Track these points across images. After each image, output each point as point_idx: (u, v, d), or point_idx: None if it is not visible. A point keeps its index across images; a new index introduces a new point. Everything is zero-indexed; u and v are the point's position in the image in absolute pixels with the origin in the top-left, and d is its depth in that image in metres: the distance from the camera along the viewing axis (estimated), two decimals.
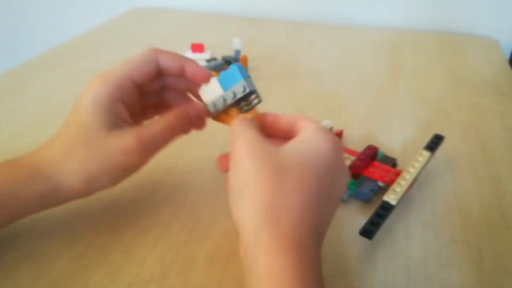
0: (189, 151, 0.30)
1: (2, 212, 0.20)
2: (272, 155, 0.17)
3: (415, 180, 0.25)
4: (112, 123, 0.20)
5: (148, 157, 0.21)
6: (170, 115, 0.21)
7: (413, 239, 0.23)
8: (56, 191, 0.20)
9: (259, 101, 0.21)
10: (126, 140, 0.19)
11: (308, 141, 0.18)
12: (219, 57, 0.46)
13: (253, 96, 0.21)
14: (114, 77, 0.20)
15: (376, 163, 0.27)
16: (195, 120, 0.21)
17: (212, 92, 0.22)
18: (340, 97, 0.39)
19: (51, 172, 0.20)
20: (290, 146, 0.18)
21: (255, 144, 0.18)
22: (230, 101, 0.21)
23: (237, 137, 0.18)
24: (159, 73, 0.22)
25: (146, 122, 0.23)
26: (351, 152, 0.29)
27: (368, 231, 0.22)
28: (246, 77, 0.21)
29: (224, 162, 0.20)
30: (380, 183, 0.26)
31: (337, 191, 0.18)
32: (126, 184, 0.27)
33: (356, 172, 0.26)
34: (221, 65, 0.43)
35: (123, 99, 0.20)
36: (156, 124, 0.20)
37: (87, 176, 0.19)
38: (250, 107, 0.21)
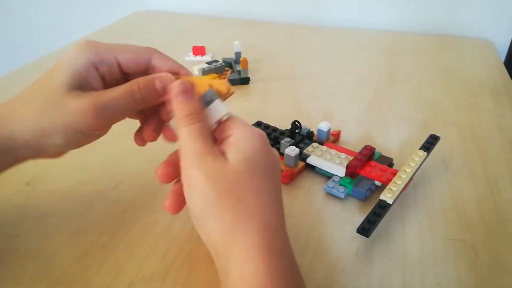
0: None
1: None
2: (223, 171, 0.17)
3: (411, 179, 0.26)
4: (77, 83, 0.19)
5: (106, 122, 0.19)
6: (132, 81, 0.20)
7: (410, 237, 0.23)
8: (8, 140, 0.19)
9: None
10: (82, 100, 0.18)
11: (244, 142, 0.18)
12: (220, 59, 0.46)
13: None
14: (98, 45, 0.20)
15: (373, 163, 0.28)
16: (161, 92, 0.20)
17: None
18: (338, 99, 0.39)
19: (6, 119, 0.19)
20: (233, 153, 0.17)
21: (205, 161, 0.17)
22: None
23: (185, 154, 0.17)
24: (150, 70, 0.21)
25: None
26: (349, 152, 0.29)
27: (365, 229, 0.22)
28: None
29: (164, 174, 0.20)
30: (377, 182, 0.27)
31: (278, 177, 0.19)
32: (128, 183, 0.27)
33: (354, 172, 0.27)
34: (222, 67, 0.44)
35: (100, 69, 0.20)
36: (116, 88, 0.19)
37: (38, 128, 0.19)
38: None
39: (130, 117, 0.22)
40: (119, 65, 0.20)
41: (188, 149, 0.17)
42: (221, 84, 0.20)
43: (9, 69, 0.45)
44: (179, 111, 0.18)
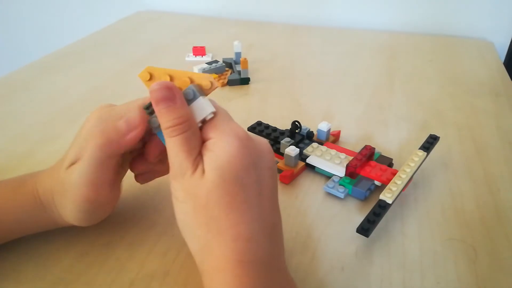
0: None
1: (5, 235, 0.21)
2: (199, 187, 0.16)
3: (410, 179, 0.26)
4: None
5: (94, 190, 0.19)
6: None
7: (409, 237, 0.23)
8: (56, 220, 0.21)
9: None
10: (71, 175, 0.19)
11: (220, 149, 0.17)
12: (220, 59, 0.46)
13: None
14: (109, 132, 0.19)
15: (372, 163, 0.28)
16: (126, 131, 0.19)
17: None
18: (338, 99, 0.39)
19: (48, 202, 0.20)
20: (208, 164, 0.17)
21: (185, 177, 0.17)
22: None
23: (171, 164, 0.17)
24: None
25: None
26: (348, 152, 0.29)
27: (365, 229, 0.22)
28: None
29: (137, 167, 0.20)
30: (377, 182, 0.27)
31: (263, 181, 0.17)
32: (128, 183, 0.27)
33: (353, 172, 0.27)
34: (222, 67, 0.44)
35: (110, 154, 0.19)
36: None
37: (65, 209, 0.20)
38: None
39: (132, 169, 0.22)
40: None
41: (172, 161, 0.17)
42: (203, 78, 0.18)
43: (9, 69, 0.45)
44: (162, 121, 0.17)
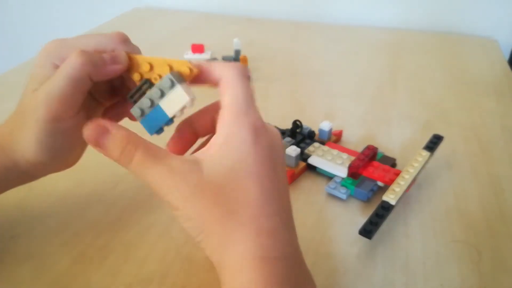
0: (190, 150, 0.30)
1: None
2: (206, 186, 0.15)
3: (414, 180, 0.26)
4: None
5: (60, 108, 0.18)
6: (72, 53, 0.18)
7: (413, 239, 0.23)
8: (16, 162, 0.19)
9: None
10: (35, 96, 0.18)
11: (228, 147, 0.16)
12: (219, 57, 0.46)
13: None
14: (60, 46, 0.19)
15: (375, 163, 0.27)
16: (108, 61, 0.18)
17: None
18: (340, 97, 0.39)
19: (7, 144, 0.19)
20: (212, 164, 0.15)
21: (184, 181, 0.15)
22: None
23: (148, 181, 0.16)
24: None
25: None
26: (351, 152, 0.29)
27: (367, 231, 0.22)
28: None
29: (176, 150, 0.19)
30: (380, 183, 0.26)
31: (277, 174, 0.16)
32: (126, 184, 0.27)
33: (356, 172, 0.26)
34: None
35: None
36: (57, 70, 0.18)
37: (28, 143, 0.18)
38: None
39: (101, 99, 0.21)
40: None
41: (149, 174, 0.16)
42: (182, 64, 0.18)
43: (7, 67, 0.45)
44: (110, 156, 0.16)
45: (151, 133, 0.19)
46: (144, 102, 0.18)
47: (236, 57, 0.45)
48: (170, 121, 0.18)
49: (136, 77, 0.19)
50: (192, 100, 0.18)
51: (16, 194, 0.26)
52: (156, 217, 0.24)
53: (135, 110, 0.18)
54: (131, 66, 0.19)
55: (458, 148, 0.31)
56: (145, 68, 0.19)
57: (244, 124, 0.16)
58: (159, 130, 0.19)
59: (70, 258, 0.21)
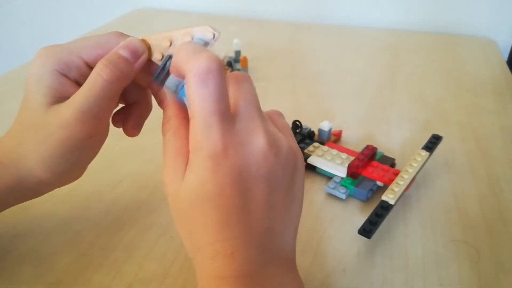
0: None
1: None
2: (178, 199, 0.15)
3: (413, 180, 0.26)
4: (52, 98, 0.18)
5: (94, 124, 0.18)
6: (96, 66, 0.17)
7: (412, 238, 0.23)
8: (22, 179, 0.18)
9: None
10: (61, 112, 0.17)
11: (190, 170, 0.15)
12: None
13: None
14: (58, 51, 0.18)
15: (374, 163, 0.27)
16: (132, 58, 0.18)
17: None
18: (339, 98, 0.39)
19: (11, 160, 0.18)
20: (185, 182, 0.15)
21: (166, 182, 0.16)
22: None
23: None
24: None
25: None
26: (350, 152, 0.29)
27: (367, 230, 0.22)
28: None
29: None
30: (379, 183, 0.26)
31: (253, 191, 0.15)
32: (126, 184, 0.27)
33: (355, 172, 0.26)
34: None
35: (70, 75, 0.18)
36: (85, 84, 0.17)
37: (42, 159, 0.18)
38: None
39: (120, 102, 0.20)
40: (87, 65, 0.18)
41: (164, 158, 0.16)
42: (204, 30, 0.17)
43: (7, 68, 0.45)
44: (163, 116, 0.17)
45: None
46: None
47: (237, 58, 0.45)
48: None
49: (156, 56, 0.18)
50: (225, 57, 0.17)
51: None
52: (156, 217, 0.24)
53: (169, 87, 0.17)
54: (150, 48, 0.18)
55: (457, 148, 0.31)
56: (164, 44, 0.18)
57: (201, 152, 0.14)
58: None
59: (71, 258, 0.22)
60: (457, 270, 0.21)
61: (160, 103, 0.19)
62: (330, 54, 0.49)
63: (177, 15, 0.64)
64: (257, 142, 0.15)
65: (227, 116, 0.15)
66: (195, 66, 0.14)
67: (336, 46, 0.52)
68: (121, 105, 0.21)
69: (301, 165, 0.17)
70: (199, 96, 0.14)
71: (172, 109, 0.17)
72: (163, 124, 0.17)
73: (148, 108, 0.21)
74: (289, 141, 0.17)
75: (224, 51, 0.16)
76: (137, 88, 0.20)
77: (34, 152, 0.18)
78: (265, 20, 0.61)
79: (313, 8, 0.60)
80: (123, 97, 0.20)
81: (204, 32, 0.17)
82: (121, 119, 0.20)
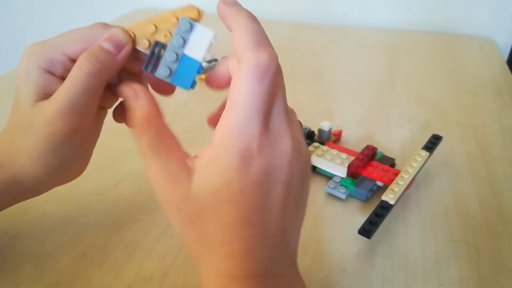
0: (189, 150, 0.31)
1: None
2: (185, 201, 0.15)
3: (413, 180, 0.26)
4: (39, 95, 0.17)
5: (79, 119, 0.17)
6: (77, 60, 0.17)
7: (412, 238, 0.23)
8: (16, 177, 0.18)
9: None
10: (44, 109, 0.17)
11: (211, 168, 0.14)
12: (219, 58, 0.46)
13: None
14: (42, 48, 0.18)
15: (374, 163, 0.27)
16: (115, 50, 0.17)
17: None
18: (339, 98, 0.39)
19: (6, 159, 0.18)
20: (199, 181, 0.14)
21: (163, 187, 0.15)
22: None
23: (150, 173, 0.15)
24: None
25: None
26: (350, 152, 0.29)
27: (367, 231, 0.22)
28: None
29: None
30: (379, 183, 0.26)
31: (273, 195, 0.15)
32: (126, 184, 0.27)
33: (355, 172, 0.26)
34: None
35: (55, 71, 0.18)
36: (66, 80, 0.17)
37: (31, 156, 0.18)
38: None
39: (103, 104, 0.20)
40: (72, 60, 0.18)
41: (149, 165, 0.15)
42: (189, 10, 0.17)
43: (7, 68, 0.45)
44: (129, 124, 0.16)
45: (187, 87, 0.17)
46: (168, 57, 0.17)
47: None
48: (201, 67, 0.17)
49: (142, 44, 0.17)
50: (215, 34, 0.16)
51: None
52: (156, 217, 0.24)
53: (162, 71, 0.17)
54: (134, 38, 0.18)
55: (457, 148, 0.31)
56: (150, 29, 0.17)
57: (233, 147, 0.14)
58: (193, 83, 0.17)
59: (71, 258, 0.22)
60: (457, 270, 0.21)
61: (157, 89, 0.18)
62: (330, 54, 0.49)
63: None
64: (284, 146, 0.15)
65: (268, 116, 0.14)
66: (256, 58, 0.14)
67: (336, 46, 0.52)
68: (120, 99, 0.20)
69: (310, 168, 0.17)
70: (249, 90, 0.14)
71: (148, 107, 0.16)
72: (136, 124, 0.16)
73: None
74: (305, 145, 0.17)
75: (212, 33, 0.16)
76: (132, 76, 0.19)
77: (24, 150, 0.18)
78: (265, 20, 0.61)
79: (313, 8, 0.60)
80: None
81: (188, 12, 0.17)
82: (121, 113, 0.20)
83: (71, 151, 0.18)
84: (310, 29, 0.57)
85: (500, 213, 0.25)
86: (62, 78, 0.18)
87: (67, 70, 0.18)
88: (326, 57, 0.48)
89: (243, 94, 0.14)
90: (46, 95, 0.18)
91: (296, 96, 0.39)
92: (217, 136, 0.15)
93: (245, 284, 0.14)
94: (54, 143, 0.18)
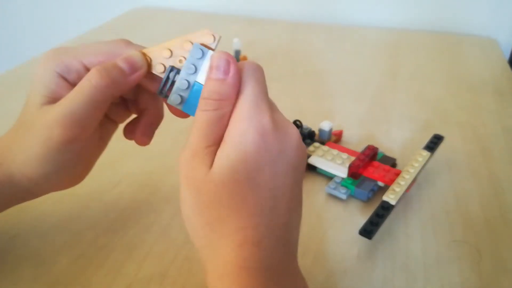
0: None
1: None
2: (203, 183, 0.15)
3: (414, 180, 0.26)
4: (47, 98, 0.18)
5: (77, 130, 0.17)
6: (90, 71, 0.17)
7: (413, 239, 0.23)
8: (12, 177, 0.18)
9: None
10: (47, 113, 0.17)
11: (232, 145, 0.15)
12: None
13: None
14: (62, 53, 0.18)
15: (375, 163, 0.27)
16: (128, 70, 0.18)
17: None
18: (340, 98, 0.39)
19: (4, 158, 0.18)
20: (219, 159, 0.15)
21: (190, 164, 0.15)
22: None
23: (187, 141, 0.16)
24: None
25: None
26: (351, 152, 0.29)
27: (367, 231, 0.22)
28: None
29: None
30: (380, 183, 0.26)
31: (283, 181, 0.15)
32: (126, 184, 0.27)
33: (356, 172, 0.26)
34: None
35: (68, 78, 0.18)
36: (74, 89, 0.17)
37: (27, 157, 0.18)
38: None
39: (115, 118, 0.20)
40: (87, 69, 0.18)
41: (189, 139, 0.16)
42: (202, 35, 0.17)
43: (6, 67, 0.45)
44: (204, 89, 0.16)
45: None
46: (179, 85, 0.17)
47: (236, 57, 0.44)
48: None
49: (158, 69, 0.18)
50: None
51: None
52: (156, 217, 0.24)
53: (173, 98, 0.17)
54: (149, 62, 0.18)
55: (458, 148, 0.31)
56: (165, 54, 0.18)
57: (250, 127, 0.15)
58: None
59: (70, 258, 0.21)
60: (458, 270, 0.21)
61: (173, 112, 0.19)
62: (330, 53, 0.49)
63: (176, 14, 0.63)
64: (292, 130, 0.16)
65: (271, 107, 0.17)
66: (248, 63, 0.17)
67: (336, 46, 0.51)
68: (133, 116, 0.21)
69: (305, 165, 0.18)
70: (253, 78, 0.16)
71: (231, 87, 0.16)
72: (211, 98, 0.16)
73: (159, 116, 0.20)
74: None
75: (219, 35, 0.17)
76: (148, 94, 0.20)
77: (23, 150, 0.18)
78: (265, 20, 0.61)
79: (313, 7, 0.60)
80: (135, 105, 0.20)
81: (202, 37, 0.17)
82: (132, 130, 0.20)
83: (67, 159, 0.18)
84: (310, 29, 0.57)
85: (501, 213, 0.25)
86: (74, 86, 0.18)
87: (81, 79, 0.18)
88: (327, 56, 0.48)
89: (248, 82, 0.16)
90: (54, 99, 0.18)
91: (297, 96, 0.39)
92: (235, 120, 0.16)
93: (256, 277, 0.14)
94: (50, 148, 0.18)
